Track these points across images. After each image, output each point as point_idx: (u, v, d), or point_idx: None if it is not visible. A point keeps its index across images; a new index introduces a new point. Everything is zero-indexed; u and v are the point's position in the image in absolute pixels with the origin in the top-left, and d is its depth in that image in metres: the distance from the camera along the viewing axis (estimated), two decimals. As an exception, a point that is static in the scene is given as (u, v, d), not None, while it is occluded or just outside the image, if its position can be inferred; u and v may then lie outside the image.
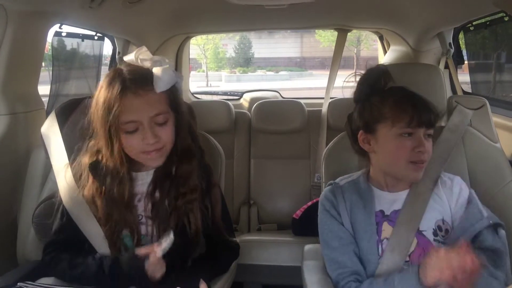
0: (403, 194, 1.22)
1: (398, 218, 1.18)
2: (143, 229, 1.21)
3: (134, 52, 1.18)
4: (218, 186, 1.32)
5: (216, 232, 1.27)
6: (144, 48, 1.19)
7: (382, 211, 1.21)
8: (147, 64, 1.17)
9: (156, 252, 1.09)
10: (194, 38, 3.24)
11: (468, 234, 1.13)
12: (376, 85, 1.23)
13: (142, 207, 1.21)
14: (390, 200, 1.22)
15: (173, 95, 1.19)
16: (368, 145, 1.23)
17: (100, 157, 1.19)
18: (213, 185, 1.29)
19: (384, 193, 1.23)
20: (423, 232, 1.17)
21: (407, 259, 1.16)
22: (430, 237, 1.17)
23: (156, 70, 1.15)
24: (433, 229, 1.17)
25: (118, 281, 1.12)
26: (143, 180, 1.22)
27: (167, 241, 1.10)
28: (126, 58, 1.20)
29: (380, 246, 1.17)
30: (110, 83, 1.12)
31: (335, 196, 1.25)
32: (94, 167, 1.20)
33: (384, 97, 1.19)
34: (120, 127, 1.11)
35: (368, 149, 1.23)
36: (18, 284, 1.14)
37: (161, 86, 1.14)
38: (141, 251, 1.12)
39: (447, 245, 1.14)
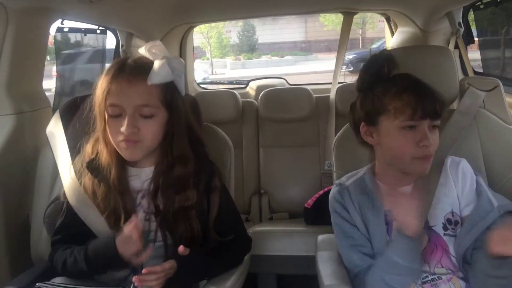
0: (410, 188, 1.17)
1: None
2: (148, 225, 1.19)
3: (145, 44, 1.18)
4: (220, 187, 1.26)
5: (222, 230, 1.25)
6: (158, 42, 1.17)
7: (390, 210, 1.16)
8: (157, 58, 1.15)
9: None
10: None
11: (479, 227, 1.09)
12: (380, 73, 1.15)
13: (146, 204, 1.20)
14: (398, 196, 1.15)
15: (169, 93, 1.16)
16: (371, 138, 1.17)
17: (97, 150, 1.20)
18: (214, 187, 1.24)
19: (391, 189, 1.18)
20: (433, 228, 1.14)
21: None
22: (440, 231, 1.14)
23: (155, 63, 1.13)
24: (443, 223, 1.14)
25: (97, 265, 1.12)
26: (142, 176, 1.21)
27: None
28: (140, 50, 1.19)
29: None
30: (111, 67, 1.14)
31: (342, 197, 1.21)
32: (92, 163, 1.20)
33: (386, 87, 1.12)
34: (106, 109, 1.12)
35: (371, 141, 1.18)
36: (37, 284, 1.14)
37: (153, 78, 1.11)
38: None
39: (458, 238, 1.12)
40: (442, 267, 1.13)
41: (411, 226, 1.01)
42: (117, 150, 1.16)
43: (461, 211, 1.15)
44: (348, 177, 1.26)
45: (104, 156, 1.18)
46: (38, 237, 1.46)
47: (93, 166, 1.20)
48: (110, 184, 1.17)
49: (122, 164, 1.19)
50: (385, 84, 1.13)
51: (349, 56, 12.91)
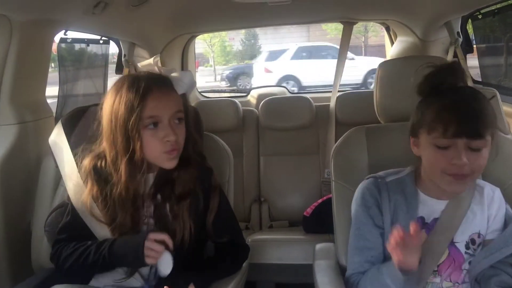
0: (444, 205, 1.16)
1: (434, 227, 1.14)
2: (145, 229, 1.21)
3: (151, 59, 1.24)
4: (219, 189, 1.30)
5: (218, 235, 1.27)
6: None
7: (422, 218, 1.16)
8: (163, 72, 1.22)
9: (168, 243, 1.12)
10: (199, 34, 3.23)
11: (501, 253, 1.09)
12: (437, 86, 1.10)
13: (144, 208, 1.22)
14: (434, 207, 1.16)
15: (185, 100, 1.23)
16: (416, 149, 1.15)
17: (102, 164, 1.20)
18: (214, 188, 1.28)
19: (429, 199, 1.17)
20: (456, 244, 1.14)
21: (436, 268, 1.14)
22: (462, 249, 1.14)
23: (177, 74, 1.21)
24: (466, 241, 1.14)
25: (114, 260, 1.14)
26: (143, 182, 1.22)
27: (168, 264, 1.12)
28: (142, 64, 1.25)
29: None
30: (132, 85, 1.14)
31: (379, 192, 1.18)
32: (96, 172, 1.21)
33: (430, 101, 1.09)
34: (141, 125, 1.12)
35: (416, 152, 1.15)
36: None
37: (183, 87, 1.20)
38: (156, 236, 1.13)
39: (476, 259, 1.13)
40: (451, 281, 1.15)
41: (408, 266, 1.01)
42: (157, 160, 1.18)
43: (486, 235, 1.16)
44: (387, 174, 1.23)
45: (122, 170, 1.15)
46: (39, 246, 1.47)
47: (99, 174, 1.20)
48: (118, 197, 1.17)
49: (135, 174, 1.17)
50: (431, 98, 1.10)
51: (225, 71, 12.94)
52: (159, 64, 1.23)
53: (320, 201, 2.12)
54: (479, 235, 1.15)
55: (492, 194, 1.18)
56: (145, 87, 1.13)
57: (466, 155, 1.02)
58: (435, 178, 1.11)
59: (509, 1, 1.89)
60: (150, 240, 1.11)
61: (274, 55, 11.01)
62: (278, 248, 1.95)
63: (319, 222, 1.99)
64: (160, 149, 1.15)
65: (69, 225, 1.24)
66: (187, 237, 1.19)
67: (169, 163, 1.18)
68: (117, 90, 1.15)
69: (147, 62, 1.24)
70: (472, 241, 1.15)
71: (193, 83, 1.24)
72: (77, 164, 1.28)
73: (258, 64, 11.34)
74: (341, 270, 1.31)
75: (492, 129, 1.05)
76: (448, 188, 1.09)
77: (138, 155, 1.13)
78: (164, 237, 1.13)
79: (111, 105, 1.15)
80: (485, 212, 1.16)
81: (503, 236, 1.12)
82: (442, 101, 1.06)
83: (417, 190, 1.18)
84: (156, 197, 1.21)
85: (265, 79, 10.31)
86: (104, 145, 1.19)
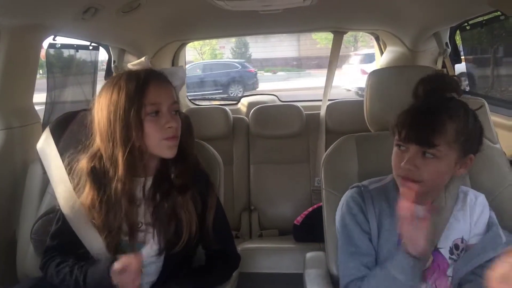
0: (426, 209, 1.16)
1: None
2: (141, 236, 1.19)
3: (142, 58, 1.25)
4: (215, 192, 1.30)
5: (212, 240, 1.25)
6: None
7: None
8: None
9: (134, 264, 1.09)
10: (190, 41, 3.23)
11: (482, 257, 1.10)
12: (426, 92, 1.13)
13: (141, 213, 1.19)
14: (415, 212, 1.16)
15: (177, 95, 1.23)
16: None
17: (99, 164, 1.18)
18: (210, 188, 1.28)
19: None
20: (440, 250, 1.15)
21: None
22: (446, 255, 1.15)
23: (173, 68, 1.25)
24: (450, 247, 1.15)
25: None
26: (141, 186, 1.21)
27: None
28: (133, 63, 1.26)
29: None
30: (131, 77, 1.14)
31: (363, 200, 1.20)
32: (94, 174, 1.19)
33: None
34: (143, 113, 1.12)
35: None
36: None
37: (178, 79, 1.22)
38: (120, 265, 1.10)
39: (458, 263, 1.13)
40: (436, 287, 1.14)
41: (419, 246, 1.01)
42: (157, 149, 1.16)
43: (469, 240, 1.17)
44: (371, 182, 1.25)
45: (120, 164, 1.14)
46: (25, 254, 1.45)
47: (96, 176, 1.19)
48: (114, 195, 1.16)
49: (134, 166, 1.16)
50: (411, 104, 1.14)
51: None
52: (149, 65, 1.23)
53: (310, 209, 2.11)
54: (462, 240, 1.16)
55: (474, 200, 1.20)
56: (145, 76, 1.14)
57: (418, 162, 1.06)
58: (396, 178, 1.14)
59: (496, 13, 1.92)
60: (115, 275, 1.09)
61: (370, 58, 11.21)
62: (268, 257, 1.94)
63: (310, 231, 1.98)
64: (160, 136, 1.15)
65: (60, 232, 1.23)
66: (194, 230, 1.18)
67: (170, 151, 1.17)
68: (114, 84, 1.14)
69: (137, 62, 1.24)
70: (456, 246, 1.16)
71: (184, 78, 1.27)
72: (68, 170, 1.26)
73: (354, 66, 11.50)
74: (332, 279, 1.30)
75: (453, 143, 1.06)
76: (400, 189, 1.11)
77: (138, 145, 1.12)
78: (128, 261, 1.09)
79: (109, 98, 1.14)
80: (467, 217, 1.17)
81: (482, 242, 1.14)
82: (413, 105, 1.11)
83: (399, 196, 1.17)
84: (156, 198, 1.19)
85: (361, 80, 10.62)
86: (98, 142, 1.18)
